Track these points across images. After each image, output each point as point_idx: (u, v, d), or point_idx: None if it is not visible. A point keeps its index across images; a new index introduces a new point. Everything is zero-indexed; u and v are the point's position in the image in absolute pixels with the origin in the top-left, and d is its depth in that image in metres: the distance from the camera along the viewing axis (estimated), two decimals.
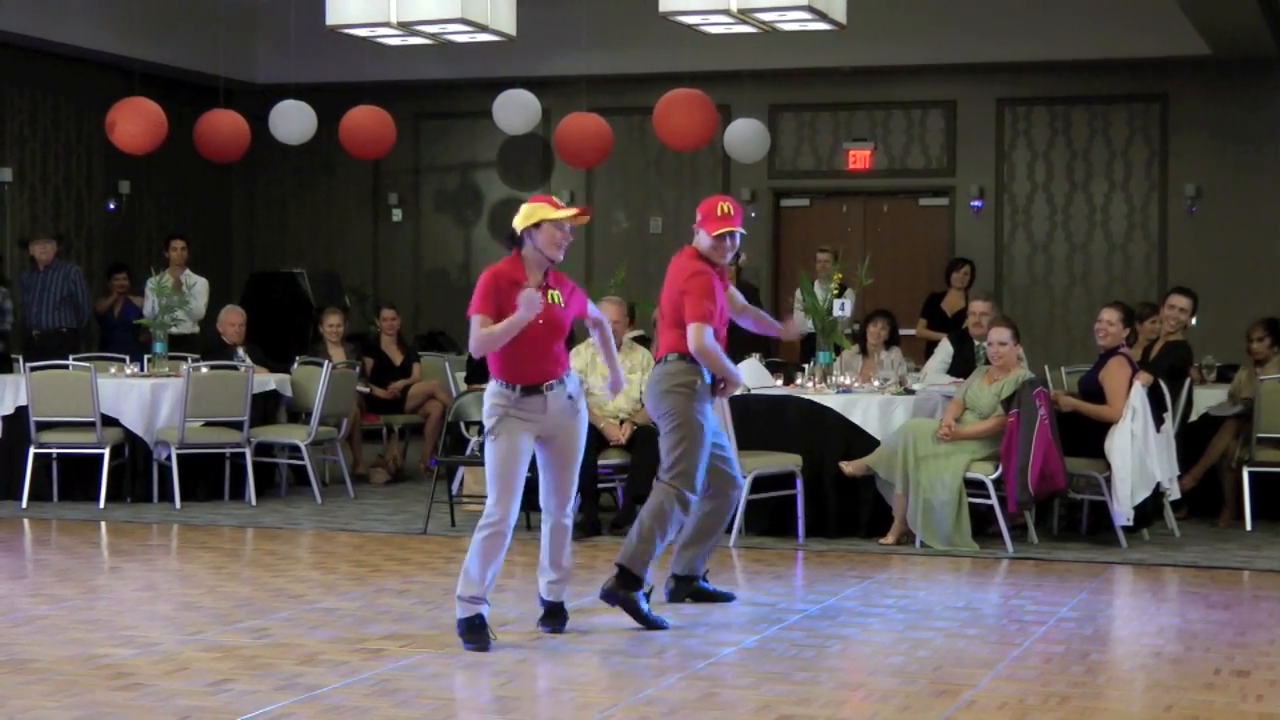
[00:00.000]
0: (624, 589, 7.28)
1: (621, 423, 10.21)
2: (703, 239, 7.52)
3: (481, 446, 11.07)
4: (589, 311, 7.15)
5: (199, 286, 14.24)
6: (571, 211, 6.86)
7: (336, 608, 7.70)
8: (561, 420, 6.88)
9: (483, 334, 6.71)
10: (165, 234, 16.15)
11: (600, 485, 10.23)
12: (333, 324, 13.13)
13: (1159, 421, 9.85)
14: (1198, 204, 16.27)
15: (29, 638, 6.97)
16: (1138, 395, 9.68)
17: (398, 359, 13.56)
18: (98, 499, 11.21)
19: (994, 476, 9.49)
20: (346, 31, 12.31)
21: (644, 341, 11.21)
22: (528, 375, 6.81)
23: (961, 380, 10.49)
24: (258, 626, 7.22)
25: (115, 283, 15.08)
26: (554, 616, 7.11)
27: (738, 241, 7.60)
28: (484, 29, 12.02)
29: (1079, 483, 9.95)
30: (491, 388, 6.90)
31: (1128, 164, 16.54)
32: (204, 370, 11.48)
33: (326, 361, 11.88)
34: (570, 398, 6.92)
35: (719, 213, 7.48)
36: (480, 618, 6.77)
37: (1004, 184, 16.88)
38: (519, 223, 6.84)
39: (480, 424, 11.01)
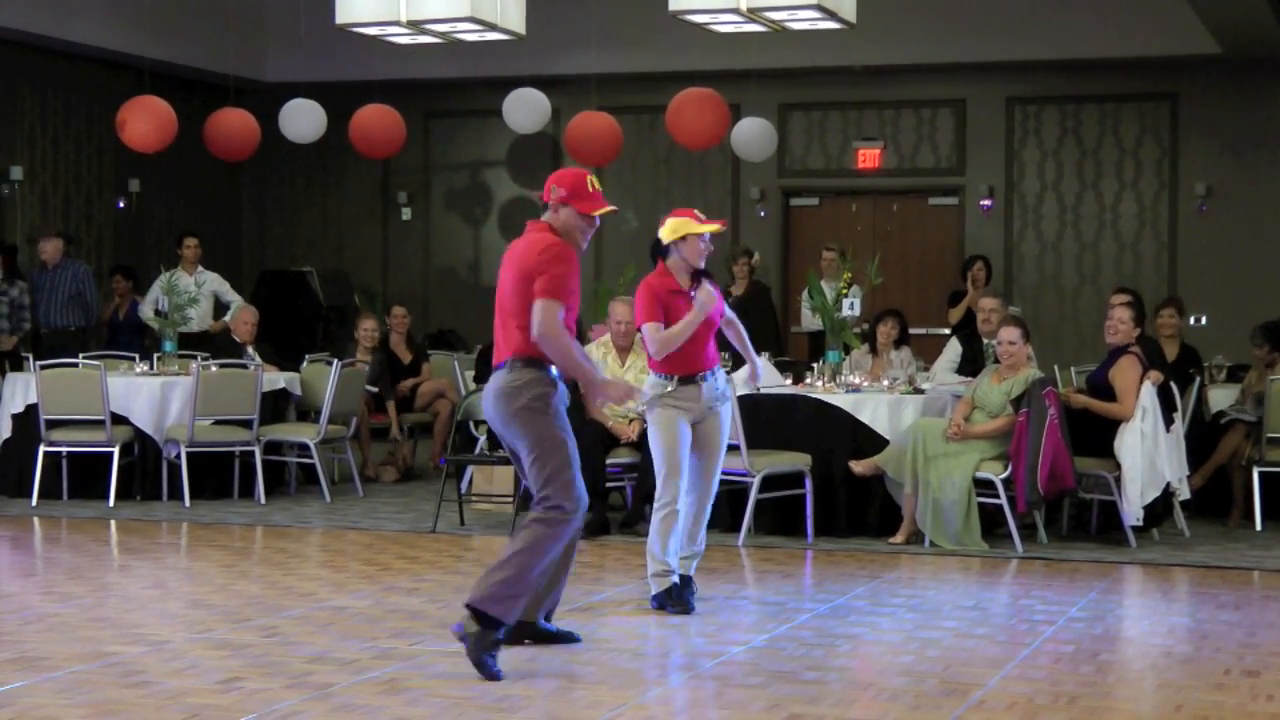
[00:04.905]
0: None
1: (630, 421, 10.21)
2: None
3: (491, 446, 11.13)
4: (724, 311, 7.71)
5: (210, 282, 14.31)
6: (714, 226, 7.63)
7: (346, 606, 7.70)
8: (713, 406, 7.52)
9: (661, 337, 7.44)
10: (175, 232, 16.17)
11: (609, 484, 10.23)
12: (367, 329, 13.12)
13: (1169, 421, 9.83)
14: (1208, 203, 16.25)
15: (39, 635, 6.98)
16: (1148, 394, 9.66)
17: (407, 358, 13.57)
18: (107, 497, 11.23)
19: (1003, 476, 9.48)
20: (356, 30, 12.31)
21: None
22: (684, 367, 7.47)
23: (971, 379, 10.48)
24: (267, 625, 7.22)
25: (116, 285, 15.07)
26: (682, 588, 7.55)
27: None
28: (494, 28, 12.02)
29: (1088, 482, 9.94)
30: (650, 379, 7.59)
31: (1138, 163, 16.51)
32: (213, 369, 11.49)
33: (336, 360, 11.88)
34: (719, 389, 7.56)
35: (589, 188, 6.63)
36: (674, 587, 7.48)
37: (1014, 183, 16.86)
38: (666, 235, 7.58)
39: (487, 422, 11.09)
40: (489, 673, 6.09)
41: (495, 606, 6.13)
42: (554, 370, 6.40)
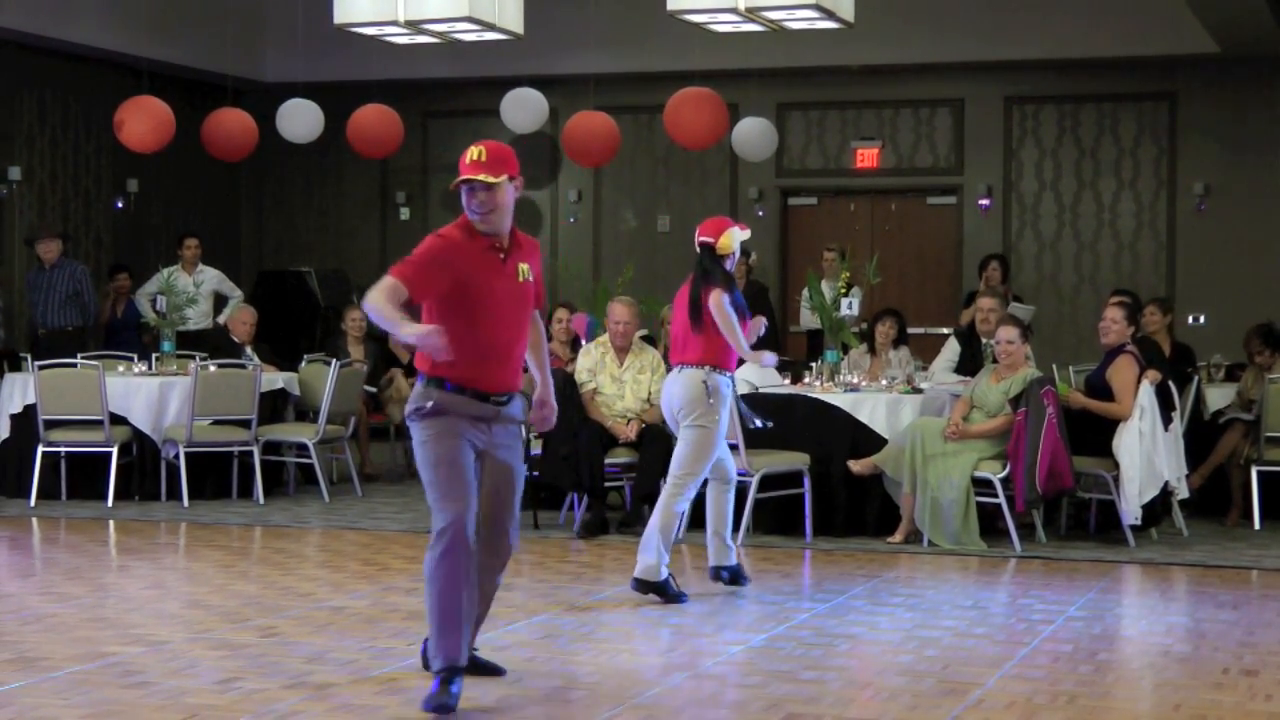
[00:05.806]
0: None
1: (629, 421, 10.20)
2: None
3: None
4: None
5: (210, 280, 14.34)
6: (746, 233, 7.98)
7: (345, 606, 7.70)
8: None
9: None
10: (173, 233, 16.17)
11: (608, 484, 10.23)
12: (355, 318, 13.14)
13: (1167, 420, 9.84)
14: (1206, 202, 16.25)
15: (38, 635, 6.98)
16: (1146, 394, 9.66)
17: (405, 357, 13.56)
18: (106, 497, 11.23)
19: (1002, 475, 9.49)
20: (354, 30, 12.32)
21: (650, 341, 11.21)
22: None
23: (969, 379, 10.48)
24: (266, 625, 7.23)
25: (116, 284, 15.07)
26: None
27: (500, 199, 5.73)
28: (492, 28, 12.03)
29: (1087, 482, 9.94)
30: (727, 378, 7.96)
31: (1136, 162, 16.51)
32: (212, 369, 11.49)
33: (334, 360, 11.88)
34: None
35: (467, 160, 5.78)
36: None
37: (1012, 182, 16.86)
38: (724, 246, 7.89)
39: None
40: (447, 702, 5.68)
41: (441, 656, 5.74)
42: (449, 384, 5.87)
